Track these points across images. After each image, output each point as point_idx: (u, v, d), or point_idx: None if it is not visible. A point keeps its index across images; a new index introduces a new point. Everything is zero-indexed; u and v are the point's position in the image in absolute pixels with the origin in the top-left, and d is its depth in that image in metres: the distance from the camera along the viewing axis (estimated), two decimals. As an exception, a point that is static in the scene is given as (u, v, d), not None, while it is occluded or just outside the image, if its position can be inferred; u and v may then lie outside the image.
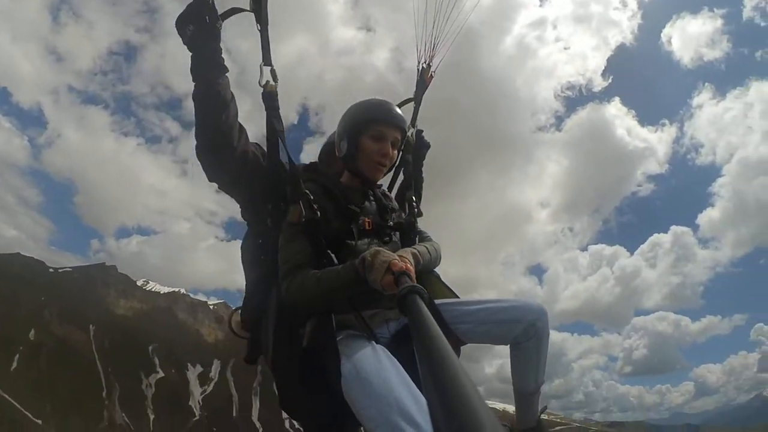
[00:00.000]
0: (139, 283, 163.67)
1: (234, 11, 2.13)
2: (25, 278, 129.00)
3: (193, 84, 2.05)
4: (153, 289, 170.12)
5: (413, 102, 3.00)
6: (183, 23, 2.02)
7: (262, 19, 2.13)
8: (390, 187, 2.80)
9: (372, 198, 2.40)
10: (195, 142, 2.11)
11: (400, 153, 2.57)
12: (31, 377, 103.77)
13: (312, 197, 2.10)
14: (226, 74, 2.10)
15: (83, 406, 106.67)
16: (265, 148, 2.25)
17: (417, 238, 2.45)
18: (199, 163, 2.17)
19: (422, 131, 2.91)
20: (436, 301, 2.24)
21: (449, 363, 0.78)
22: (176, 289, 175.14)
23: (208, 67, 2.04)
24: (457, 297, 2.38)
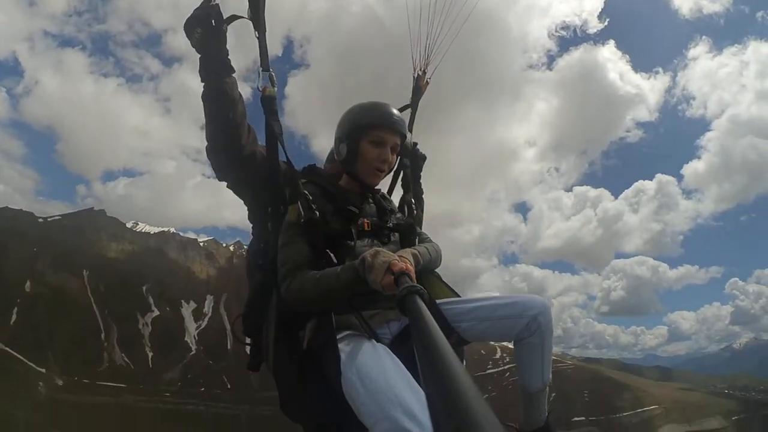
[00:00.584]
0: (128, 226, 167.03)
1: (233, 18, 2.20)
2: (15, 231, 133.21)
3: (202, 85, 2.14)
4: (143, 231, 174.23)
5: (410, 108, 3.09)
6: (191, 27, 2.10)
7: (259, 27, 2.19)
8: (390, 191, 2.87)
9: (371, 200, 2.45)
10: (206, 143, 2.23)
11: (398, 157, 2.63)
12: (30, 328, 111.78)
13: (311, 198, 2.15)
14: (233, 74, 2.20)
15: (84, 350, 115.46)
16: (266, 154, 2.31)
17: (417, 240, 2.49)
18: (208, 160, 2.29)
19: (417, 144, 2.92)
20: (437, 301, 2.26)
21: (449, 362, 0.79)
22: (166, 229, 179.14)
23: (215, 67, 2.13)
24: (459, 296, 2.41)
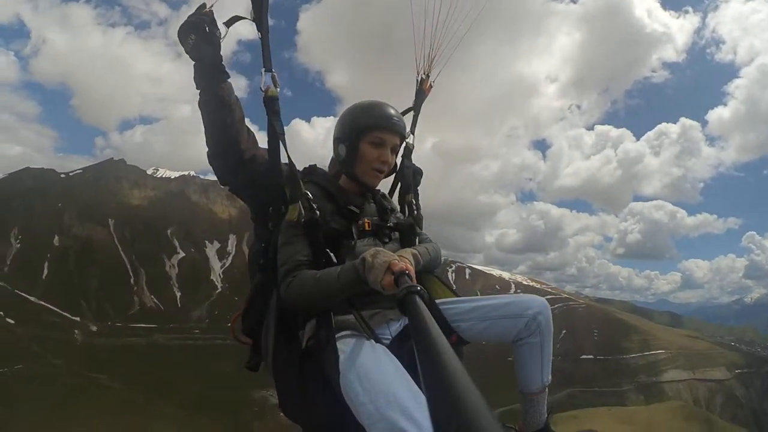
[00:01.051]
0: (149, 172, 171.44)
1: (236, 19, 2.20)
2: (39, 189, 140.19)
3: (198, 92, 2.17)
4: (164, 176, 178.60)
5: (412, 111, 3.05)
6: (185, 33, 2.10)
7: (263, 27, 2.17)
8: (391, 192, 2.82)
9: (372, 200, 2.44)
10: (206, 149, 2.23)
11: (398, 157, 2.65)
12: (62, 280, 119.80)
13: (311, 197, 2.14)
14: (228, 80, 2.21)
15: (114, 296, 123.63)
16: (268, 154, 2.28)
17: (417, 240, 2.49)
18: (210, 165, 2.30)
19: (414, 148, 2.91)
20: (437, 301, 2.26)
21: (449, 363, 0.79)
22: (186, 173, 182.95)
23: (210, 74, 2.15)
24: (458, 296, 2.41)
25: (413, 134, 2.89)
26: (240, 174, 2.27)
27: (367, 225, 2.27)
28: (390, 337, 2.15)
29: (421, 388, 1.43)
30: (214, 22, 2.13)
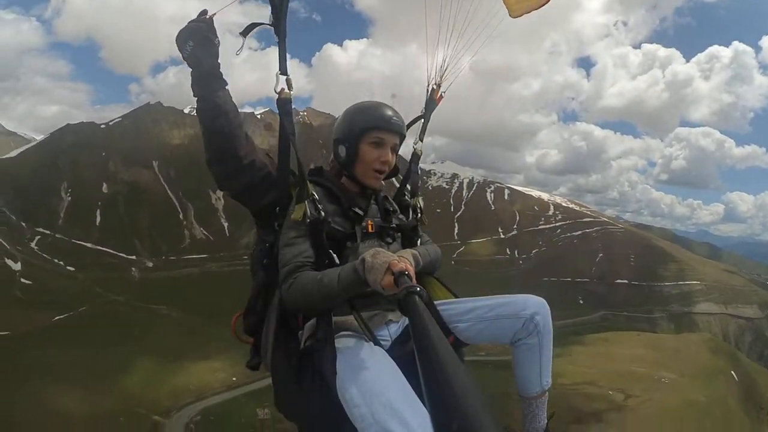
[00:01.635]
0: (186, 111, 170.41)
1: (255, 26, 2.23)
2: (81, 143, 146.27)
3: (195, 99, 2.17)
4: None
5: (422, 119, 3.07)
6: (183, 40, 2.11)
7: (280, 32, 2.21)
8: (398, 195, 2.79)
9: (374, 201, 2.45)
10: (205, 154, 2.24)
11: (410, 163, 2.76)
12: (114, 224, 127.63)
13: (318, 198, 2.18)
14: (226, 87, 2.22)
15: (166, 232, 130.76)
16: (278, 154, 2.33)
17: (419, 241, 2.54)
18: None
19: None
20: (435, 302, 2.28)
21: (449, 363, 0.81)
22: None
23: (207, 81, 2.15)
24: (457, 297, 2.42)
25: (422, 141, 2.94)
26: (239, 179, 2.24)
27: (370, 226, 2.28)
28: (390, 338, 2.17)
29: (419, 393, 1.46)
30: (213, 29, 2.13)
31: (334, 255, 2.09)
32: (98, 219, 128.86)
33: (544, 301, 2.15)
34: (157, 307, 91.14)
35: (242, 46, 2.22)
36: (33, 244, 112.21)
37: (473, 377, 0.76)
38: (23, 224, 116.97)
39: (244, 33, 2.19)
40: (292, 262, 2.04)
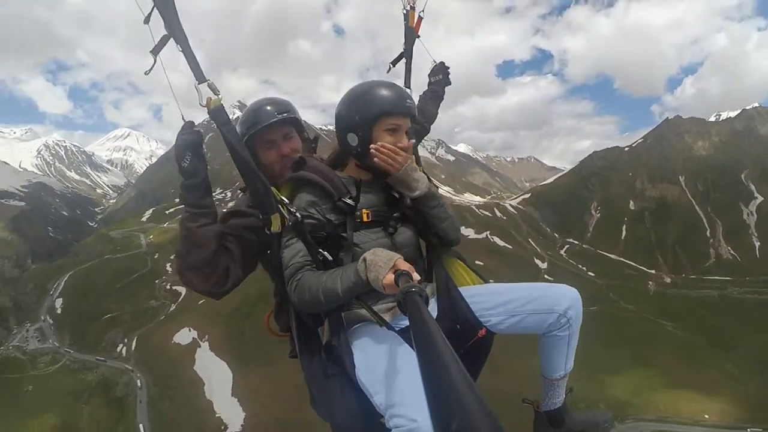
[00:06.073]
0: (711, 119, 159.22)
1: (162, 44, 1.98)
2: (609, 166, 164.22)
3: (182, 207, 2.13)
4: (724, 118, 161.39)
5: (404, 58, 2.79)
6: (182, 153, 2.06)
7: (179, 39, 1.96)
8: None
9: (381, 187, 2.24)
10: (179, 261, 2.16)
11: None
12: (639, 238, 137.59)
13: (287, 202, 2.07)
14: (214, 210, 2.16)
15: (690, 249, 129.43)
16: (241, 176, 2.16)
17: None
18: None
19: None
20: (461, 289, 2.19)
21: (449, 363, 0.80)
22: (748, 107, 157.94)
23: (201, 191, 2.11)
24: (485, 281, 2.36)
25: (409, 88, 2.68)
26: (227, 284, 2.19)
27: (365, 216, 2.11)
28: (406, 323, 2.01)
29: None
30: (202, 140, 2.12)
31: (326, 253, 2.01)
32: (624, 233, 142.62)
33: (578, 292, 2.08)
34: (665, 322, 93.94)
35: (152, 67, 2.00)
36: (562, 251, 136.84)
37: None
38: (556, 235, 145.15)
39: (155, 52, 1.99)
40: (291, 265, 2.00)
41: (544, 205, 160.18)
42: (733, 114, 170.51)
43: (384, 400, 1.62)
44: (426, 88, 3.16)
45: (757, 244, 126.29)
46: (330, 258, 2.03)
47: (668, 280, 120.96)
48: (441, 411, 0.73)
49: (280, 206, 2.08)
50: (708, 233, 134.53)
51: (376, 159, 2.08)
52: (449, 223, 2.26)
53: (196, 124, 2.14)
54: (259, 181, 2.08)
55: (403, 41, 2.76)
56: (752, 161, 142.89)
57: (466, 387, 0.72)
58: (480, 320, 2.10)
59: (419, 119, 2.73)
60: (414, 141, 2.30)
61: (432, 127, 3.09)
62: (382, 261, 1.68)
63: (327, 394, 2.00)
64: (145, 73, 2.04)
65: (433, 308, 2.15)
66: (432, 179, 2.35)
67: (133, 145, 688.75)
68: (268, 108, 2.36)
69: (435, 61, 3.13)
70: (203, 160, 2.12)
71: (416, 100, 2.80)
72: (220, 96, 2.04)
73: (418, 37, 2.80)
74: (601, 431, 2.43)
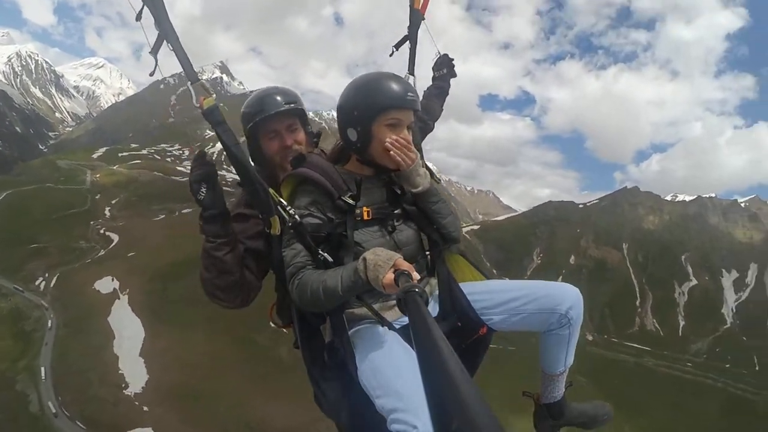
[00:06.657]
0: (667, 198, 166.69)
1: (159, 44, 1.94)
2: (561, 218, 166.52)
3: (206, 238, 2.10)
4: (680, 200, 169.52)
5: (408, 41, 2.68)
6: (197, 184, 2.06)
7: (170, 38, 1.93)
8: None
9: (384, 184, 2.16)
10: (204, 287, 2.17)
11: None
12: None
13: (286, 204, 2.03)
14: (232, 234, 2.13)
15: (618, 313, 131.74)
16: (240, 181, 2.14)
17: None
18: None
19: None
20: (462, 285, 2.17)
21: (449, 363, 0.79)
22: (705, 195, 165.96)
23: (221, 221, 2.09)
24: (486, 278, 2.35)
25: (412, 74, 2.61)
26: (249, 296, 2.24)
27: (366, 214, 2.05)
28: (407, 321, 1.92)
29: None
30: (216, 171, 2.12)
31: (325, 254, 1.96)
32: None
33: (579, 292, 2.06)
34: (579, 377, 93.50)
35: (155, 68, 1.99)
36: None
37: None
38: (495, 271, 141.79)
39: (153, 52, 1.96)
40: (291, 265, 1.97)
41: (490, 241, 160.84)
42: (688, 198, 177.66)
43: (385, 404, 1.62)
44: (429, 82, 3.04)
45: (682, 323, 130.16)
46: (330, 259, 1.98)
47: (590, 338, 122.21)
48: (441, 411, 0.73)
49: (279, 208, 2.04)
50: (638, 302, 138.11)
51: (391, 153, 2.01)
52: (450, 220, 2.22)
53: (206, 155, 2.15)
54: (258, 183, 2.05)
55: (408, 24, 2.61)
56: (695, 246, 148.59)
57: (466, 386, 0.72)
58: (481, 319, 2.10)
59: (423, 116, 2.67)
60: (415, 134, 2.24)
61: None
62: (382, 260, 1.65)
63: (331, 394, 2.00)
64: (150, 74, 2.08)
65: (434, 306, 2.16)
66: (434, 175, 2.32)
67: (105, 77, 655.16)
68: (277, 97, 2.32)
69: (439, 53, 3.00)
70: (220, 191, 2.10)
71: (419, 91, 2.68)
72: (214, 95, 2.00)
73: (424, 19, 2.66)
74: (600, 423, 2.44)
